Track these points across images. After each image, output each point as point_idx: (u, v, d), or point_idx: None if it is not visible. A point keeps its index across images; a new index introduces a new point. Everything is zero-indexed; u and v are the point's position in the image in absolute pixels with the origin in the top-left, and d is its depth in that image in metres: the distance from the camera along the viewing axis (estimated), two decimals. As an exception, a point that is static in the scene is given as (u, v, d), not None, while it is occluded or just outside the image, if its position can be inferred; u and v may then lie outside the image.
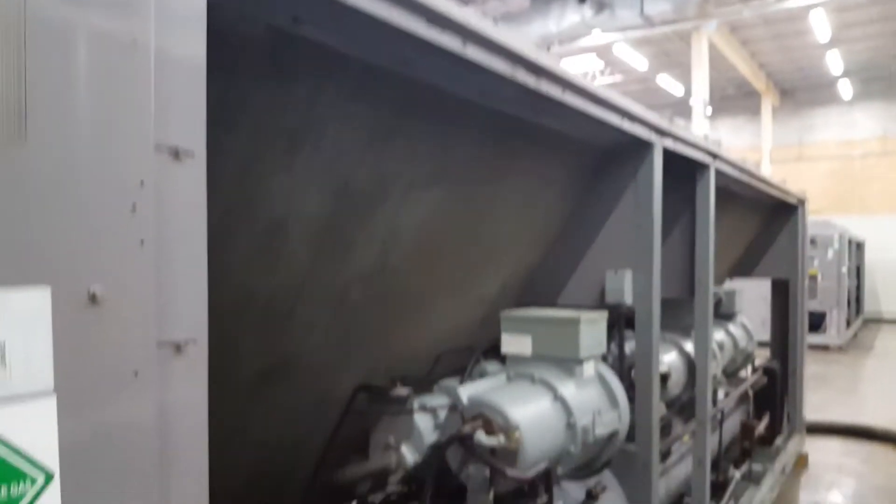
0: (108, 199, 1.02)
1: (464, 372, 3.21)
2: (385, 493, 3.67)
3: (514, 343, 2.94)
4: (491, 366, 3.19)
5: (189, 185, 1.12)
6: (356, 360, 2.82)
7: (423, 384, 3.03)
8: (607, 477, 3.62)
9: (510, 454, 2.44)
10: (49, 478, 0.98)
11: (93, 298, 1.00)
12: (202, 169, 1.14)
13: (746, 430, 5.48)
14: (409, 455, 2.79)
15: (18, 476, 0.94)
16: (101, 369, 1.02)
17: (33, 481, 0.96)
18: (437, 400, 2.87)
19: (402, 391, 2.76)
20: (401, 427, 2.80)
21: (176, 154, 1.10)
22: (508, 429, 2.39)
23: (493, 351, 3.26)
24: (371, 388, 2.83)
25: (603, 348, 2.98)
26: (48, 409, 0.97)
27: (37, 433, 0.96)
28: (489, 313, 3.26)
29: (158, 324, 1.11)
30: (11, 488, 0.94)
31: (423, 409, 2.89)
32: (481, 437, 2.33)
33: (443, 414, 2.77)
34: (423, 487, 2.53)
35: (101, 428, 1.03)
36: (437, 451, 2.49)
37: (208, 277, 1.22)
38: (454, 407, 2.62)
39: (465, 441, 2.38)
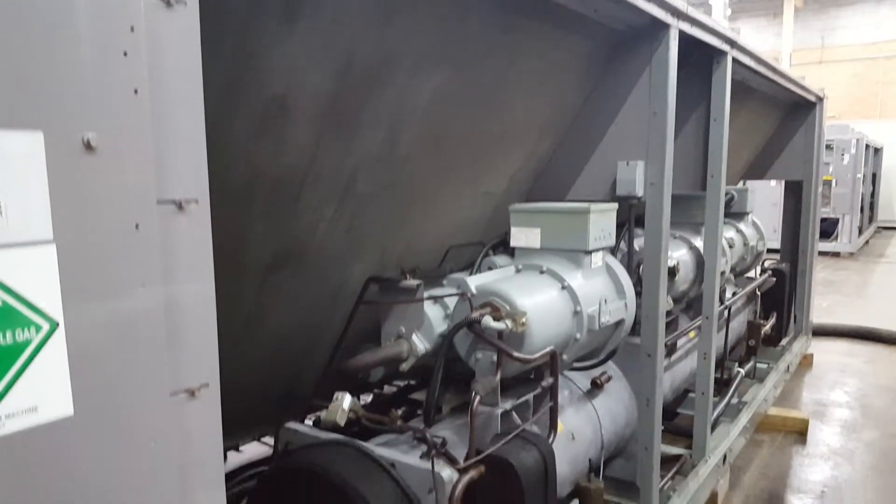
0: (99, 44, 0.98)
1: (473, 267, 3.22)
2: (397, 381, 3.77)
3: (523, 236, 2.93)
4: (500, 259, 3.19)
5: (182, 34, 1.08)
6: (367, 252, 2.83)
7: (433, 278, 3.05)
8: (612, 368, 3.69)
9: (517, 338, 2.47)
10: (54, 326, 0.98)
11: (87, 146, 0.97)
12: (195, 17, 1.09)
13: (753, 328, 5.54)
14: (420, 343, 2.84)
15: (23, 322, 0.95)
16: (100, 220, 1.01)
17: (38, 328, 0.97)
18: (447, 291, 2.90)
19: (412, 282, 2.78)
20: (411, 317, 2.84)
21: (167, 0, 1.05)
22: (516, 314, 2.41)
23: (503, 245, 3.26)
24: (382, 280, 2.85)
25: (612, 240, 2.97)
26: (48, 258, 0.96)
27: (38, 281, 0.96)
28: (498, 208, 3.24)
29: (158, 179, 1.09)
30: (17, 334, 0.95)
31: (433, 299, 2.92)
32: (489, 321, 2.35)
33: (452, 304, 2.80)
34: (432, 374, 2.58)
35: (104, 279, 1.03)
36: (447, 337, 2.51)
37: (211, 155, 1.19)
38: (463, 296, 2.64)
39: (474, 325, 2.40)
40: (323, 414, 2.53)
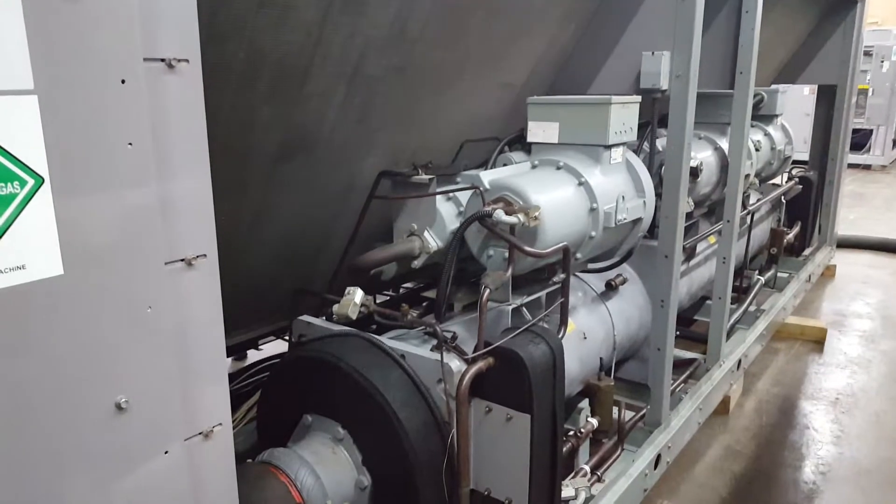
0: None
1: (487, 163, 3.15)
2: (410, 284, 3.77)
3: (541, 130, 2.83)
4: (516, 155, 3.11)
5: None
6: (379, 146, 2.76)
7: (447, 175, 2.98)
8: (628, 271, 3.65)
9: (529, 234, 2.42)
10: (39, 181, 0.95)
11: (66, -9, 0.91)
12: None
13: (776, 236, 5.44)
14: (432, 240, 2.81)
15: (5, 175, 0.91)
16: (83, 72, 0.96)
17: (22, 183, 0.93)
18: (460, 187, 2.84)
19: (424, 177, 2.72)
20: (423, 213, 2.79)
21: None
22: (528, 209, 2.35)
23: (519, 141, 3.17)
24: (394, 174, 2.79)
25: (633, 136, 2.86)
26: (29, 109, 0.91)
27: (20, 133, 0.92)
28: (517, 103, 3.12)
29: (145, 35, 1.02)
30: (1, 188, 0.91)
31: (446, 195, 2.86)
32: (501, 214, 2.29)
33: (465, 201, 2.74)
34: (443, 271, 2.55)
35: (90, 135, 0.98)
36: (458, 231, 2.47)
37: (205, 20, 1.12)
38: (476, 191, 2.58)
39: (485, 219, 2.35)
40: (335, 308, 2.53)
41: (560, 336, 2.53)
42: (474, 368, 2.20)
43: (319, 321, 2.67)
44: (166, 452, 1.23)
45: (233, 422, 2.78)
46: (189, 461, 1.28)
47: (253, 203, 2.50)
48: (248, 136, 2.20)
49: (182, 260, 1.21)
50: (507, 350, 2.22)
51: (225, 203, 2.40)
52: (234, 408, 2.86)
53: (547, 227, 2.44)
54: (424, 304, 3.48)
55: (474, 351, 2.28)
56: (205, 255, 1.25)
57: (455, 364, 2.25)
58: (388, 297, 3.60)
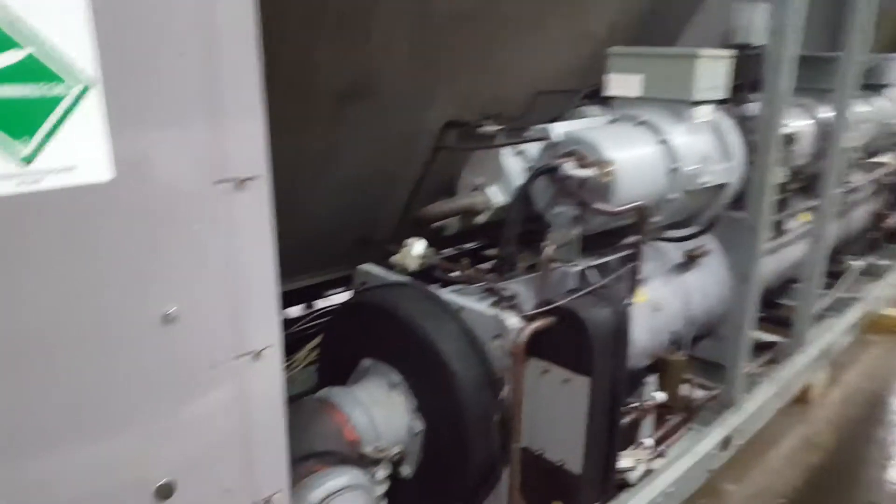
0: None
1: (561, 118, 3.00)
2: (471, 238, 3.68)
3: (622, 83, 2.67)
4: (593, 110, 2.95)
5: None
6: (447, 94, 2.67)
7: (517, 129, 2.87)
8: (710, 242, 3.44)
9: (601, 191, 2.29)
10: (90, 83, 0.93)
11: None
12: None
13: (878, 219, 5.04)
14: (496, 196, 2.71)
15: (57, 76, 0.90)
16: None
17: (73, 83, 0.92)
18: (530, 142, 2.72)
19: (491, 128, 2.62)
20: (489, 166, 2.70)
21: None
22: (602, 163, 2.21)
23: (598, 95, 3.00)
24: (460, 124, 2.71)
25: (722, 93, 2.66)
26: (81, 10, 0.90)
27: (72, 34, 0.91)
28: (595, 55, 2.95)
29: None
30: (49, 88, 0.91)
31: (514, 149, 2.75)
32: (570, 167, 2.17)
33: (534, 155, 2.63)
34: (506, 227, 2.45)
35: (142, 39, 0.96)
36: (524, 183, 2.36)
37: None
38: (547, 144, 2.46)
39: (554, 172, 2.23)
40: (396, 258, 2.49)
41: (627, 302, 2.40)
42: (533, 327, 2.11)
43: (380, 270, 2.63)
44: (214, 367, 1.21)
45: (294, 362, 2.82)
46: (238, 380, 1.27)
47: (317, 144, 2.47)
48: (312, 75, 2.16)
49: (233, 179, 1.17)
50: (569, 310, 2.11)
51: (289, 142, 2.38)
52: (297, 349, 2.88)
53: (621, 185, 2.30)
54: (487, 263, 3.39)
55: (534, 309, 2.18)
56: (256, 178, 1.21)
57: (513, 321, 2.16)
58: (450, 254, 3.53)
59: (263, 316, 1.28)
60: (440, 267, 2.53)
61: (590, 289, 2.21)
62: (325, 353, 2.58)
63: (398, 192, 3.03)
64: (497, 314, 2.18)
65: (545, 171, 2.25)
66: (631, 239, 2.37)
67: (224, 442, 1.27)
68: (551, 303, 2.15)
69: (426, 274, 2.64)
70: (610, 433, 2.26)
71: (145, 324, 1.11)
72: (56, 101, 0.92)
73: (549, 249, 2.14)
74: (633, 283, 2.44)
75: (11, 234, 0.93)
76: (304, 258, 3.00)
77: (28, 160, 0.91)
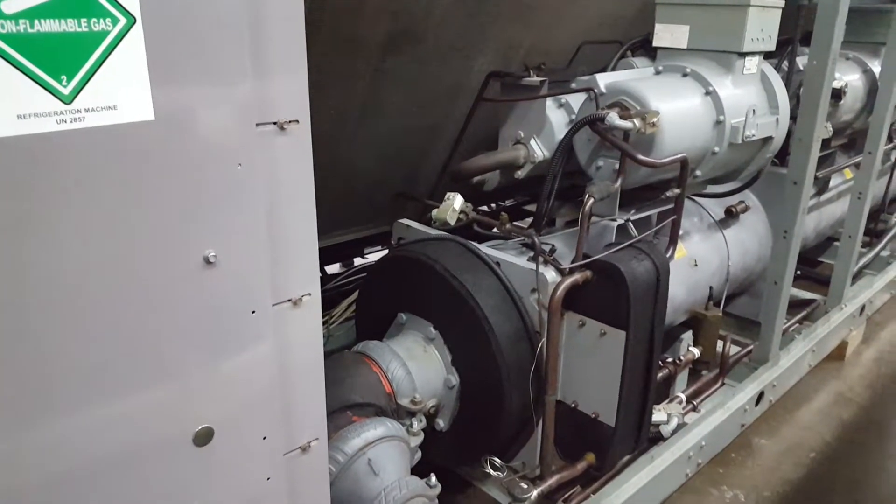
0: None
1: (606, 69, 2.95)
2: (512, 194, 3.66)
3: (669, 34, 2.60)
4: (639, 61, 2.88)
5: None
6: (490, 44, 2.63)
7: (561, 81, 2.83)
8: (751, 199, 3.39)
9: (645, 143, 2.26)
10: (131, 20, 0.92)
11: None
12: None
13: (923, 177, 4.89)
14: (538, 149, 2.68)
15: (97, 11, 0.89)
16: None
17: (115, 20, 0.91)
18: (574, 95, 2.68)
19: (535, 79, 2.58)
20: (531, 119, 2.66)
21: None
22: (647, 114, 2.17)
23: (644, 46, 2.94)
24: (503, 75, 2.67)
25: (772, 45, 2.58)
26: None
27: None
28: (643, 4, 2.89)
29: None
30: (91, 23, 0.89)
31: (557, 101, 2.71)
32: (614, 118, 2.14)
33: (577, 108, 2.59)
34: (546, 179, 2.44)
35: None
36: (567, 135, 2.34)
37: None
38: (590, 95, 2.42)
39: (597, 123, 2.20)
40: (434, 212, 2.49)
41: (668, 256, 2.39)
42: (570, 280, 2.12)
43: (418, 225, 2.64)
44: (253, 312, 1.23)
45: (332, 317, 2.86)
46: (277, 326, 1.28)
47: (361, 96, 2.46)
48: (356, 22, 2.13)
49: (274, 123, 1.17)
50: (607, 263, 2.11)
51: (332, 93, 2.38)
52: (335, 304, 2.92)
53: (665, 137, 2.26)
54: (526, 218, 3.39)
55: (572, 263, 2.18)
56: (297, 122, 1.21)
57: (550, 275, 2.17)
58: (490, 209, 3.53)
59: (302, 263, 1.29)
60: (479, 222, 2.53)
61: (629, 242, 2.20)
62: (363, 307, 2.62)
63: (439, 146, 3.02)
64: (534, 268, 2.19)
65: (589, 122, 2.22)
66: (672, 192, 2.34)
67: (263, 389, 1.30)
68: (589, 257, 2.15)
69: (465, 229, 2.65)
70: (645, 387, 2.28)
71: (186, 267, 1.11)
72: (99, 37, 0.91)
73: (589, 202, 2.13)
74: (674, 237, 2.42)
75: (52, 172, 0.92)
76: (345, 213, 3.03)
77: (69, 98, 0.91)
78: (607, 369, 2.19)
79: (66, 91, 0.91)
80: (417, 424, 2.11)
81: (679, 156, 2.24)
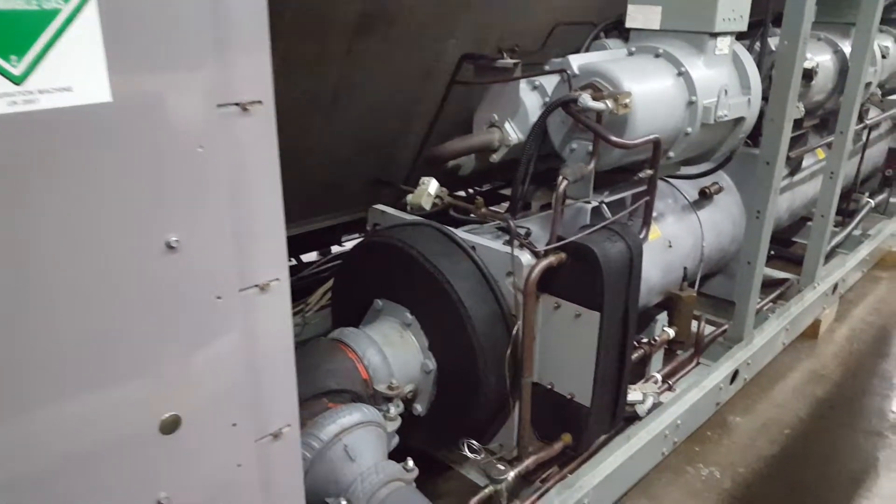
0: None
1: (580, 51, 2.94)
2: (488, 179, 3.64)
3: (641, 15, 2.60)
4: (612, 43, 2.88)
5: None
6: (462, 26, 2.61)
7: (535, 64, 2.82)
8: (725, 180, 3.42)
9: (618, 124, 2.26)
10: (82, 2, 0.89)
11: None
12: None
13: (893, 157, 4.97)
14: (513, 132, 2.67)
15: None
16: None
17: (65, 1, 0.88)
18: (548, 77, 2.67)
19: (508, 61, 2.56)
20: (506, 102, 2.65)
21: None
22: (619, 95, 2.17)
23: (617, 28, 2.93)
24: (477, 57, 2.65)
25: (744, 25, 2.58)
26: None
27: None
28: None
29: None
30: (43, 1, 0.87)
31: (531, 83, 2.70)
32: (587, 99, 2.13)
33: (552, 91, 2.58)
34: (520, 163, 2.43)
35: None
36: (540, 118, 2.33)
37: None
38: (563, 77, 2.41)
39: (570, 104, 2.20)
40: (409, 198, 2.48)
41: (641, 237, 2.40)
42: (544, 262, 2.12)
43: (394, 210, 2.63)
44: (219, 298, 1.21)
45: (308, 305, 2.84)
46: (244, 312, 1.26)
47: (332, 80, 2.43)
48: (326, 2, 2.10)
49: (236, 104, 1.15)
50: (581, 245, 2.12)
51: (302, 77, 2.35)
52: (312, 292, 2.90)
53: (638, 118, 2.26)
54: (503, 203, 3.39)
55: (547, 245, 2.18)
56: (260, 102, 1.18)
57: (525, 258, 2.17)
58: (466, 194, 3.51)
59: (269, 247, 1.27)
60: (455, 207, 2.53)
61: (602, 224, 2.21)
62: (339, 295, 2.61)
63: (414, 131, 2.99)
64: (509, 251, 2.18)
65: (562, 104, 2.22)
66: (645, 173, 2.34)
67: (231, 376, 1.28)
68: (563, 239, 2.15)
69: (441, 214, 2.64)
70: (620, 367, 2.30)
71: (148, 252, 1.09)
72: (51, 15, 0.88)
73: (563, 185, 2.13)
74: (647, 219, 2.42)
75: (4, 156, 0.90)
76: (320, 199, 3.00)
77: (20, 79, 0.88)
78: (582, 350, 2.20)
79: (16, 72, 0.88)
80: (394, 409, 2.11)
81: (651, 136, 2.24)
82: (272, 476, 1.45)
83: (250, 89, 1.15)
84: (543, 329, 2.30)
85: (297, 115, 2.42)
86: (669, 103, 2.39)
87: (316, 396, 2.00)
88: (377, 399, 2.16)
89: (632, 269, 2.18)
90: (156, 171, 1.06)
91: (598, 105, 2.12)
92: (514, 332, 2.18)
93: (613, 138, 2.15)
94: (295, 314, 2.78)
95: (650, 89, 2.34)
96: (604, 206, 2.40)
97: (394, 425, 2.08)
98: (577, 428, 2.29)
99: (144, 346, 1.15)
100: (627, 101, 2.14)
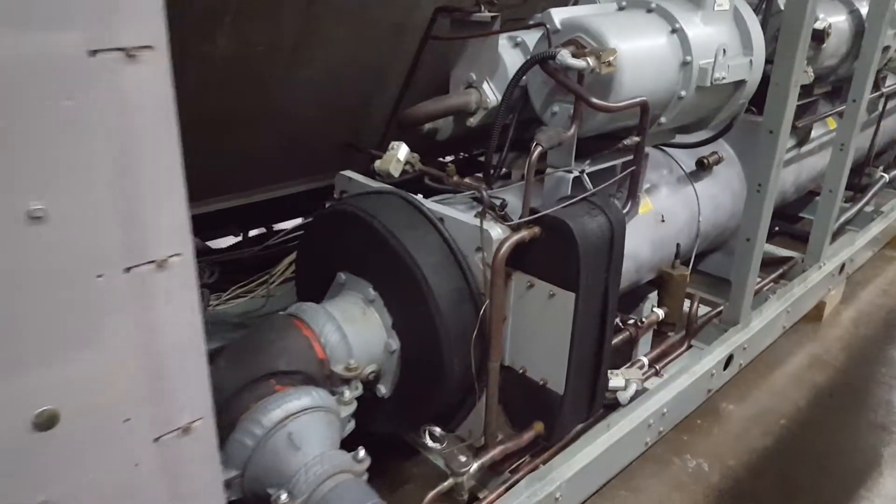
0: None
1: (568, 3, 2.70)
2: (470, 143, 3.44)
3: (633, -34, 2.36)
4: (604, -3, 2.64)
5: None
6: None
7: (518, 19, 2.59)
8: (725, 149, 3.19)
9: (602, 85, 2.04)
10: None
11: None
12: None
13: (911, 129, 4.70)
14: (491, 93, 2.47)
15: None
16: None
17: None
18: (531, 33, 2.45)
19: (485, 14, 2.35)
20: (484, 60, 2.44)
21: None
22: (602, 52, 1.95)
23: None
24: (452, 10, 2.43)
25: (747, -21, 2.35)
26: None
27: None
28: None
29: None
30: None
31: (512, 39, 2.49)
32: (566, 56, 1.91)
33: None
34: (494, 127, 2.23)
35: None
36: (516, 76, 2.11)
37: None
38: (545, 32, 2.19)
39: (548, 62, 1.98)
40: (377, 164, 2.28)
41: (626, 211, 2.20)
42: (515, 237, 1.93)
43: (361, 177, 2.44)
44: (100, 276, 1.04)
45: (272, 276, 2.66)
46: (135, 292, 1.09)
47: (292, 29, 2.21)
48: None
49: (119, 49, 0.96)
50: (556, 219, 1.92)
51: (259, 26, 2.14)
52: (275, 263, 2.72)
53: (625, 78, 2.05)
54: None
55: (520, 218, 1.99)
56: (151, 48, 1.00)
57: (496, 231, 1.97)
58: (444, 160, 3.30)
59: (166, 217, 1.09)
60: (427, 174, 2.33)
61: (581, 197, 2.00)
62: (302, 266, 2.43)
63: (388, 91, 2.79)
64: (479, 224, 1.99)
65: (539, 61, 2.00)
66: (631, 140, 2.13)
67: (120, 365, 1.11)
68: (537, 212, 1.95)
69: (416, 182, 2.45)
70: (598, 352, 2.11)
71: (4, 224, 0.93)
72: None
73: (536, 151, 1.92)
74: (633, 191, 2.22)
75: None
76: (290, 164, 2.81)
77: None
78: (556, 334, 2.01)
79: None
80: (350, 393, 1.94)
81: (638, 99, 2.02)
82: (182, 473, 1.29)
83: (137, 32, 0.96)
84: (516, 309, 2.12)
85: (252, 69, 2.22)
86: (661, 63, 2.17)
87: (264, 378, 1.84)
88: (334, 380, 1.99)
89: (613, 246, 1.99)
90: (9, 128, 0.88)
91: (579, 63, 1.90)
92: (482, 312, 1.99)
93: (595, 100, 1.94)
94: (259, 286, 2.61)
95: (639, 47, 2.12)
96: (584, 176, 2.19)
97: (348, 410, 1.92)
98: (549, 416, 2.12)
99: (8, 331, 0.99)
100: (612, 58, 1.92)
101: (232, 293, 2.58)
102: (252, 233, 3.22)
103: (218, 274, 2.64)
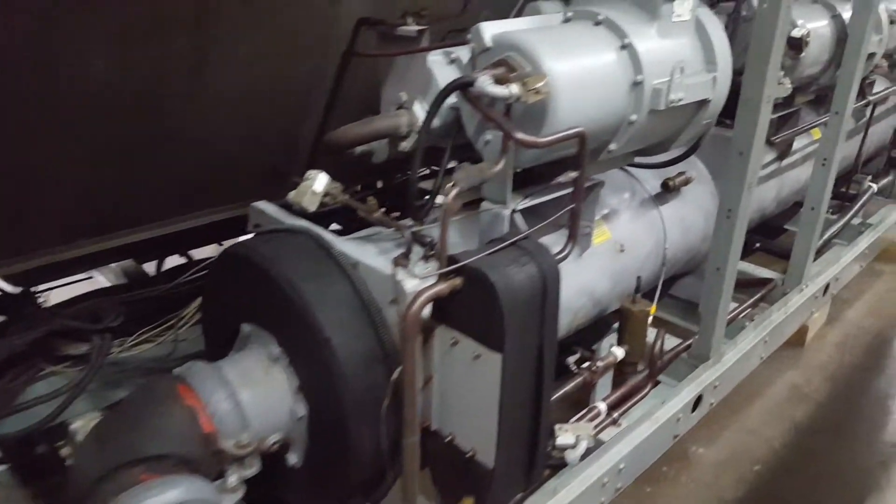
0: None
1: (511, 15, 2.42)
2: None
3: (582, -28, 2.08)
4: (550, 6, 2.36)
5: None
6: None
7: (456, 31, 2.32)
8: (697, 167, 2.93)
9: (535, 113, 1.77)
10: None
11: None
12: None
13: (901, 135, 4.44)
14: (422, 115, 2.19)
15: None
16: None
17: None
18: (467, 49, 2.17)
19: (411, 28, 2.07)
20: (414, 78, 2.17)
21: None
22: (530, 77, 1.68)
23: (556, -12, 2.41)
24: (376, 23, 2.16)
25: (708, -16, 2.07)
26: None
27: None
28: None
29: None
30: None
31: (447, 56, 2.21)
32: (485, 83, 1.64)
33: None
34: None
35: None
36: (434, 103, 1.85)
37: None
38: (474, 51, 1.92)
39: (467, 89, 1.71)
40: (291, 195, 2.01)
41: (565, 253, 1.93)
42: (430, 292, 1.65)
43: (274, 209, 2.17)
44: None
45: (181, 319, 2.39)
46: None
47: (182, 54, 1.94)
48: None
49: None
50: (476, 271, 1.65)
51: (149, 48, 1.87)
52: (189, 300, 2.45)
53: (560, 106, 1.77)
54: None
55: (440, 267, 1.72)
56: None
57: (410, 284, 1.70)
58: (384, 183, 3.01)
59: None
60: (350, 207, 2.06)
61: (508, 242, 1.73)
62: (207, 312, 2.16)
63: (316, 112, 2.51)
64: (393, 273, 1.72)
65: (456, 88, 1.73)
66: (566, 177, 1.86)
67: None
68: (456, 261, 1.68)
69: (338, 214, 2.18)
70: (535, 415, 1.85)
71: None
72: None
73: (451, 194, 1.65)
74: (573, 231, 1.95)
75: None
76: (208, 190, 2.55)
77: None
78: (483, 399, 1.74)
79: None
80: (235, 477, 1.67)
81: (573, 131, 1.74)
82: None
83: None
84: (442, 369, 1.85)
85: (148, 97, 1.95)
86: (607, 85, 1.90)
87: (128, 465, 1.57)
88: (224, 458, 1.73)
89: (546, 298, 1.72)
90: None
91: (500, 90, 1.63)
92: (394, 377, 1.72)
93: (520, 135, 1.66)
94: (167, 329, 2.34)
95: (580, 67, 1.84)
96: (517, 214, 1.92)
97: (232, 499, 1.65)
98: (479, 490, 1.85)
99: None
100: (540, 85, 1.64)
101: (137, 338, 2.31)
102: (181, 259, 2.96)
103: (124, 316, 2.37)
